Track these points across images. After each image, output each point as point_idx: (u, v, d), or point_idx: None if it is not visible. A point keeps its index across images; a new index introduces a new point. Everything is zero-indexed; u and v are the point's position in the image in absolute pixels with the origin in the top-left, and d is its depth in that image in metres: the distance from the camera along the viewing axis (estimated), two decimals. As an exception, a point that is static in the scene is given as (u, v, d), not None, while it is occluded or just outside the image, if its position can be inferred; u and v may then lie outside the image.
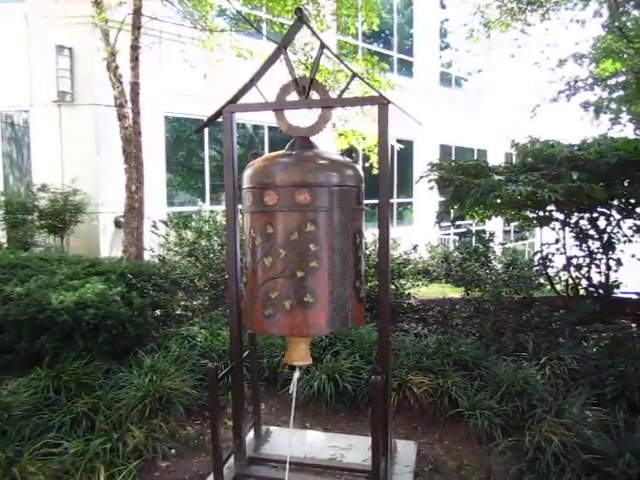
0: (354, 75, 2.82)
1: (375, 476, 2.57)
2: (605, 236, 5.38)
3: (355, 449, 3.29)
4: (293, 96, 2.73)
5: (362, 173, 2.74)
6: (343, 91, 2.95)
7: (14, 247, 6.90)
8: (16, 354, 4.01)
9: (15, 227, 7.76)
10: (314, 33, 2.86)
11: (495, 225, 9.68)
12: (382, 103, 2.54)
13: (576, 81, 11.92)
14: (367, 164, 8.05)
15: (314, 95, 2.71)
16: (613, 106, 12.77)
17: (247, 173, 2.66)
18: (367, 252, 6.17)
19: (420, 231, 13.57)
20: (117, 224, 8.50)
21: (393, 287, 6.18)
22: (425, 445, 3.47)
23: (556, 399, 3.52)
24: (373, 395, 2.58)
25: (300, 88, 2.69)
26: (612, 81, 12.12)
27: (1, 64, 8.64)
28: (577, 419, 3.19)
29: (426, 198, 12.82)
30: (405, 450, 3.30)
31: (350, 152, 2.73)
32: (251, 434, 3.35)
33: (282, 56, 2.78)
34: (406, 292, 6.35)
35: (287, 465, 2.70)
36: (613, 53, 11.89)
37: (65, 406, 3.44)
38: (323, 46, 2.70)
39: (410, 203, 15.34)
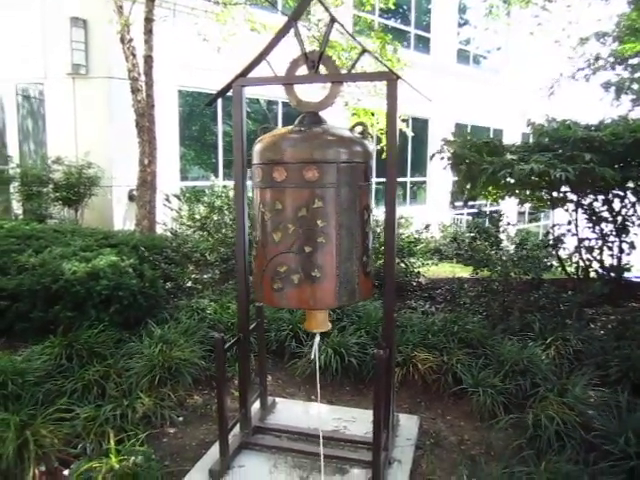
0: (364, 51, 2.79)
1: (376, 448, 2.62)
2: (619, 219, 5.32)
3: (358, 421, 3.36)
4: (303, 70, 2.72)
5: (370, 149, 2.73)
6: (353, 66, 2.93)
7: (29, 219, 7.02)
8: (31, 322, 4.11)
9: (30, 199, 7.88)
10: (324, 6, 2.83)
11: (509, 206, 9.60)
12: (391, 79, 2.52)
13: (597, 58, 11.66)
14: (379, 147, 7.96)
15: (324, 70, 2.70)
16: (635, 87, 12.50)
17: (257, 149, 2.66)
18: (378, 230, 6.18)
19: (433, 210, 13.53)
20: (131, 197, 8.57)
21: (403, 265, 6.20)
22: (428, 420, 3.52)
23: (560, 379, 3.53)
24: (376, 369, 2.62)
25: (310, 62, 2.67)
26: (634, 60, 11.85)
27: (16, 37, 8.67)
28: (579, 399, 3.21)
29: (440, 177, 12.72)
30: (408, 424, 3.36)
31: (359, 128, 2.72)
32: (257, 405, 3.42)
33: (293, 30, 2.76)
34: (415, 270, 6.37)
35: (320, 439, 2.78)
36: (637, 31, 11.58)
37: (77, 373, 3.53)
38: (333, 20, 2.67)
39: (424, 182, 15.23)
